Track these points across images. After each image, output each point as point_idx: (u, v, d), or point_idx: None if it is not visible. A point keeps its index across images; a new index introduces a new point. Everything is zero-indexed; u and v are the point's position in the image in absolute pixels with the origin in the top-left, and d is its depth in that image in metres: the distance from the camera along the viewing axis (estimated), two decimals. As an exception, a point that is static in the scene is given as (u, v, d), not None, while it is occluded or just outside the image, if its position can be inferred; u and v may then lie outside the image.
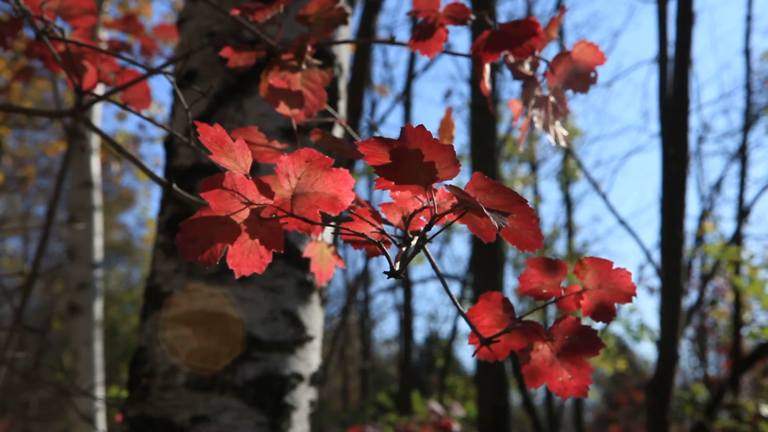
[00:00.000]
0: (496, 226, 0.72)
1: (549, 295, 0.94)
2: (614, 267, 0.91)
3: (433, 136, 0.76)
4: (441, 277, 0.86)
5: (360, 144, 0.77)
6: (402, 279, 0.77)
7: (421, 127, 0.76)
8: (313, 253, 1.13)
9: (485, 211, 0.74)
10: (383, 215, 0.94)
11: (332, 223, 0.92)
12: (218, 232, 0.79)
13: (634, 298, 0.91)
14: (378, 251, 0.81)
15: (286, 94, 1.13)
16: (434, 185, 0.81)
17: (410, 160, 0.77)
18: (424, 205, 0.86)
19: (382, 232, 0.87)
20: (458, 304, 0.86)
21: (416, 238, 0.81)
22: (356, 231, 0.85)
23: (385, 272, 0.76)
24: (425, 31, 1.13)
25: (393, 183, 0.80)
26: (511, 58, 1.15)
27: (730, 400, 5.87)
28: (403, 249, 0.81)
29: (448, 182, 0.80)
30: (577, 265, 0.92)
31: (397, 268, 0.77)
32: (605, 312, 0.93)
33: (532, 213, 0.78)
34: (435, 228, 0.82)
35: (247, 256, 0.82)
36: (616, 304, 0.93)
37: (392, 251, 0.83)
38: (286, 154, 0.79)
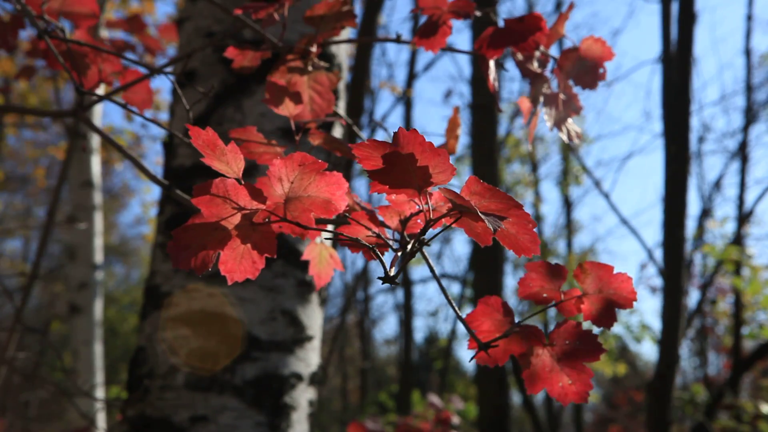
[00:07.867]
0: (491, 229, 0.71)
1: (549, 300, 0.93)
2: (615, 272, 0.91)
3: (427, 140, 0.75)
4: (438, 280, 0.85)
5: (354, 147, 0.76)
6: (396, 284, 0.76)
7: (414, 131, 0.75)
8: (312, 255, 1.12)
9: (480, 215, 0.73)
10: (381, 218, 0.93)
11: (328, 227, 0.92)
12: (210, 238, 0.79)
13: (634, 302, 0.90)
14: (373, 256, 0.80)
15: (288, 93, 1.12)
16: (429, 189, 0.80)
17: (403, 165, 0.76)
18: (420, 209, 0.85)
19: (378, 236, 0.86)
20: (456, 308, 0.85)
21: (412, 241, 0.81)
22: (351, 236, 0.84)
23: (379, 278, 0.75)
24: (429, 28, 1.13)
25: (387, 187, 0.79)
26: (519, 56, 1.14)
27: (730, 401, 5.86)
28: (399, 253, 0.80)
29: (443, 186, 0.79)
30: (578, 269, 0.91)
31: (392, 272, 0.76)
32: (606, 316, 0.92)
33: (528, 218, 0.77)
34: (431, 231, 0.81)
35: (239, 262, 0.81)
36: (616, 309, 0.92)
37: (391, 254, 0.82)
38: (279, 158, 0.78)
